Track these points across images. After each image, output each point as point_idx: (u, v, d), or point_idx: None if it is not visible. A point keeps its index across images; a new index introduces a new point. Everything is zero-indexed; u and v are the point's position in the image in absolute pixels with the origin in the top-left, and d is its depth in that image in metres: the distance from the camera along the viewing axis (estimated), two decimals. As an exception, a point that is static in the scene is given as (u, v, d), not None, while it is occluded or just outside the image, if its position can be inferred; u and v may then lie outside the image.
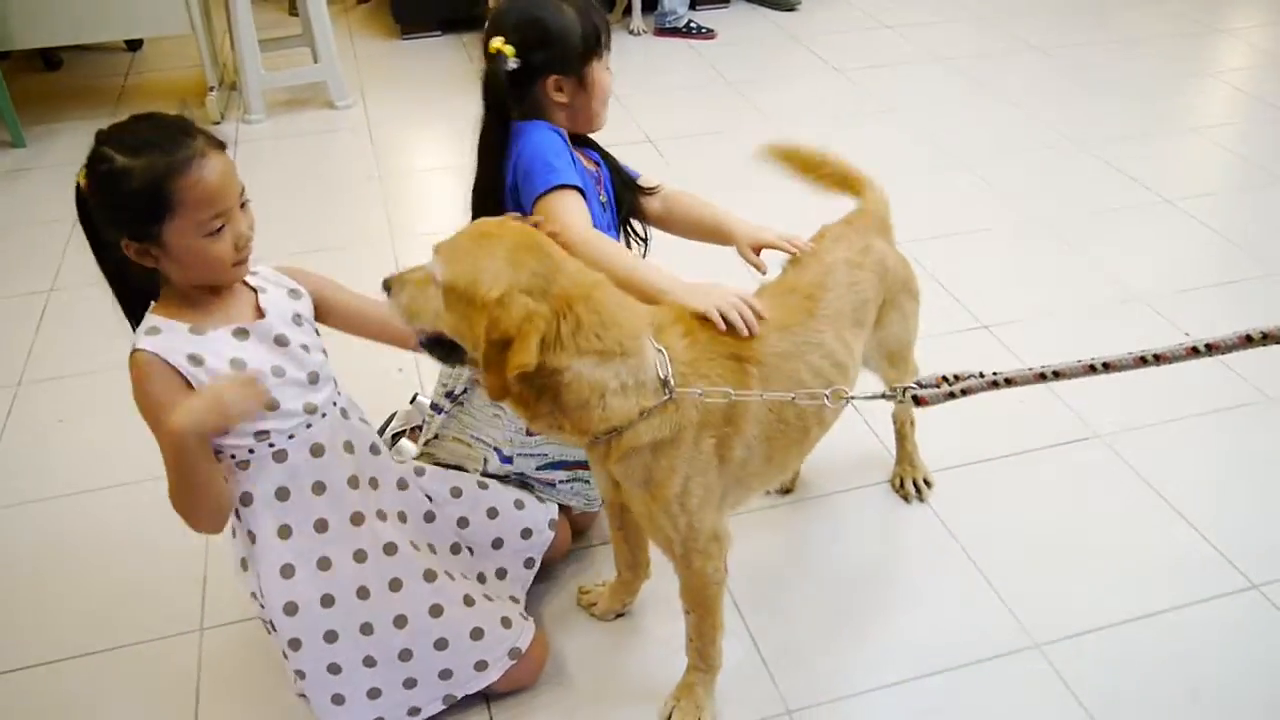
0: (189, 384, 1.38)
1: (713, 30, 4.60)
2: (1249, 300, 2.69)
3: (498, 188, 1.72)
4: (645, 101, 3.92)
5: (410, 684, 1.60)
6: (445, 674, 1.61)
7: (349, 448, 1.55)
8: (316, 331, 1.57)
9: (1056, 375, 1.28)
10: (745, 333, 1.47)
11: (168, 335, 1.39)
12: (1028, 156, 3.40)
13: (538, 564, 1.83)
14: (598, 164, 1.82)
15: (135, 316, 1.45)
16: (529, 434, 1.79)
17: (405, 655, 1.58)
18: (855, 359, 1.63)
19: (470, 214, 1.75)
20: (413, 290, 1.39)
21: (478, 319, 1.31)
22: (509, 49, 1.65)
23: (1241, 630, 1.78)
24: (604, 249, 1.58)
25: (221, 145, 1.39)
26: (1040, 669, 1.71)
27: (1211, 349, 1.16)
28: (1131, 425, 2.23)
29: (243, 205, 1.41)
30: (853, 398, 1.48)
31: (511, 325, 1.28)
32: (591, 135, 1.84)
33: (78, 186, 1.35)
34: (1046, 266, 2.87)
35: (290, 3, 4.98)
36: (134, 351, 1.38)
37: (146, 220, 1.33)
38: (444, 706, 1.64)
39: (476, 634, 1.61)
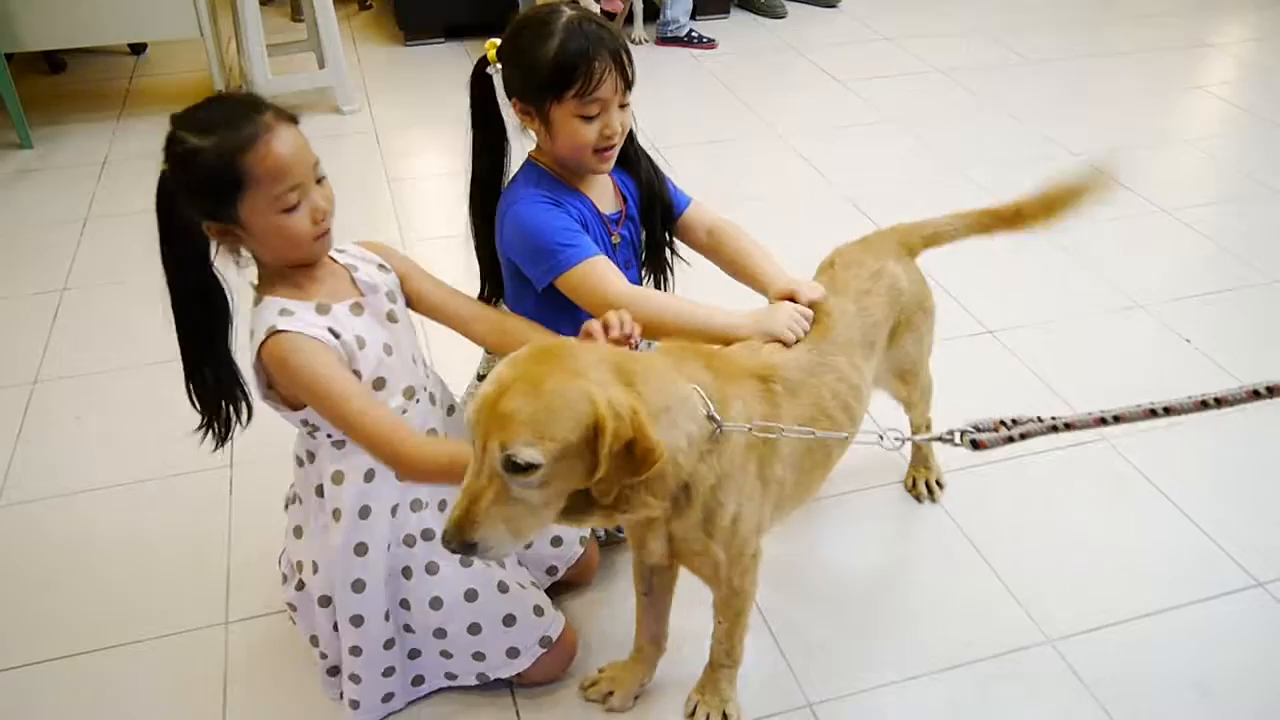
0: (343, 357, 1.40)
1: (714, 40, 4.66)
2: (1247, 307, 2.75)
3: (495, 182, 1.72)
4: (647, 110, 3.90)
5: (446, 655, 1.64)
6: (478, 656, 1.65)
7: (431, 435, 1.57)
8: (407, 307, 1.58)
9: (1117, 420, 1.26)
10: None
11: (300, 314, 1.40)
12: (1028, 167, 3.45)
13: (560, 573, 1.84)
14: (625, 199, 1.75)
15: (185, 319, 1.43)
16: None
17: (440, 634, 1.62)
18: (867, 382, 1.65)
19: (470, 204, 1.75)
20: (501, 511, 1.18)
21: (586, 452, 1.17)
22: (492, 50, 1.61)
23: (1247, 626, 1.83)
24: (660, 305, 1.58)
25: (292, 118, 1.38)
26: (1054, 663, 1.75)
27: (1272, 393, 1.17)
28: (1135, 429, 2.27)
29: (319, 180, 1.40)
30: (908, 439, 1.45)
31: (624, 425, 1.16)
32: (645, 153, 1.76)
33: (161, 174, 1.35)
34: (1050, 274, 2.92)
35: (292, 8, 5.00)
36: (274, 334, 1.37)
37: (222, 199, 1.33)
38: (477, 682, 1.68)
39: (509, 620, 1.63)
